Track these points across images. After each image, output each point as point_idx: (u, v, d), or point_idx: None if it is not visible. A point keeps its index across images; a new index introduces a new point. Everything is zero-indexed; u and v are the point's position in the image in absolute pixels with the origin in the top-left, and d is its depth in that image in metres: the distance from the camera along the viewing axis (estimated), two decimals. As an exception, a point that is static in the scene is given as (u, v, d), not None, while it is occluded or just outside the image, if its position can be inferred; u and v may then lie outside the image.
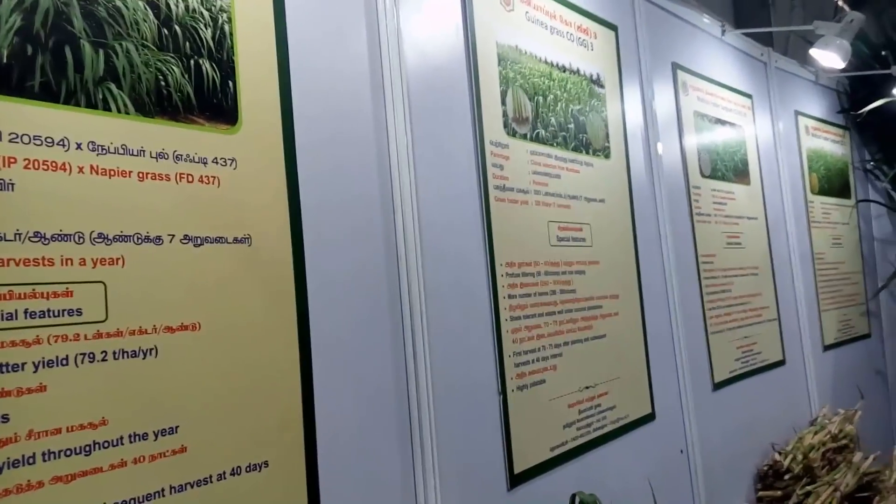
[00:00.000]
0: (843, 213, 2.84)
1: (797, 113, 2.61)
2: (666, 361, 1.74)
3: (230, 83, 0.88)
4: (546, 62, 1.47)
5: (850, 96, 2.97)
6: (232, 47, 0.89)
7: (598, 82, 1.64)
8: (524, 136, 1.38)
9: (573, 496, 1.26)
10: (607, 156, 1.65)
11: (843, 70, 2.82)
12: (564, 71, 1.53)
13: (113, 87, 0.77)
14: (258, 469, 0.84)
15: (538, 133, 1.42)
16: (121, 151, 0.77)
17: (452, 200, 1.17)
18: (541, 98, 1.44)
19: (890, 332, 3.04)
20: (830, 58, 2.09)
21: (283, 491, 0.86)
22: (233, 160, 0.86)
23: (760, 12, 4.32)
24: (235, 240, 0.84)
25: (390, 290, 1.03)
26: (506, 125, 1.33)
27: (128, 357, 0.74)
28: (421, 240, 1.06)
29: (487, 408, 1.18)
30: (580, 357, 1.44)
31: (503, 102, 1.33)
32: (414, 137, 1.09)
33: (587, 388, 1.45)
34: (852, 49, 2.98)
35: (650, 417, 1.64)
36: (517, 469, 1.21)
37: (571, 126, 1.53)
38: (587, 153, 1.57)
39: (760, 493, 2.00)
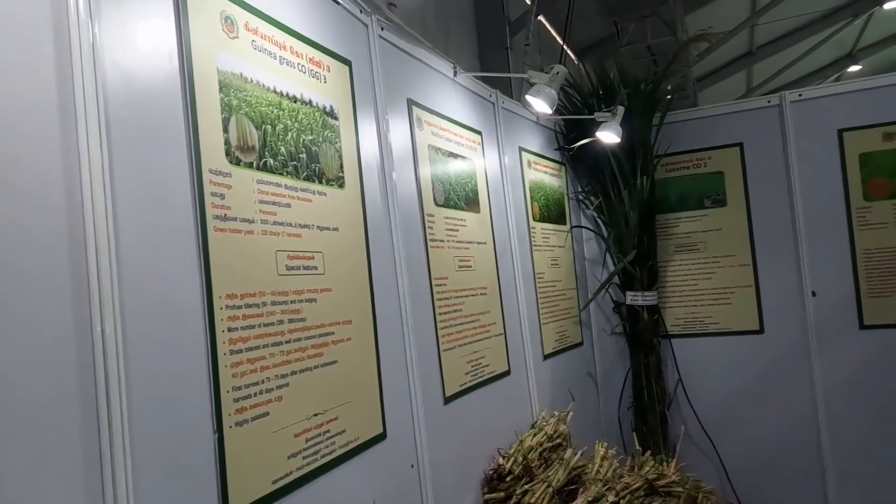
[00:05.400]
0: (560, 237, 3.24)
1: (521, 149, 2.93)
2: (399, 381, 1.83)
3: None
4: (275, 92, 1.47)
5: (565, 136, 3.41)
6: None
7: (331, 114, 1.68)
8: (250, 165, 1.37)
9: (295, 527, 1.27)
10: (341, 185, 1.69)
11: (559, 113, 3.23)
12: (296, 101, 1.54)
13: None
14: None
15: (266, 162, 1.42)
16: None
17: (162, 234, 1.12)
18: (269, 127, 1.44)
19: (597, 338, 3.53)
20: (540, 104, 2.39)
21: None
22: None
23: (500, 55, 4.80)
24: None
25: (79, 338, 0.94)
26: (228, 153, 1.31)
27: None
28: (119, 280, 0.99)
29: (201, 449, 1.14)
30: (309, 385, 1.46)
31: (225, 130, 1.31)
32: (114, 168, 1.02)
33: (316, 415, 1.47)
34: (569, 95, 3.45)
35: (381, 437, 1.71)
36: (234, 508, 1.18)
37: (303, 156, 1.55)
38: (320, 182, 1.60)
39: (486, 497, 2.19)
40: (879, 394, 3.08)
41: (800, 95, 3.27)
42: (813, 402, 3.19)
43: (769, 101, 3.31)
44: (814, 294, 3.19)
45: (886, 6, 8.45)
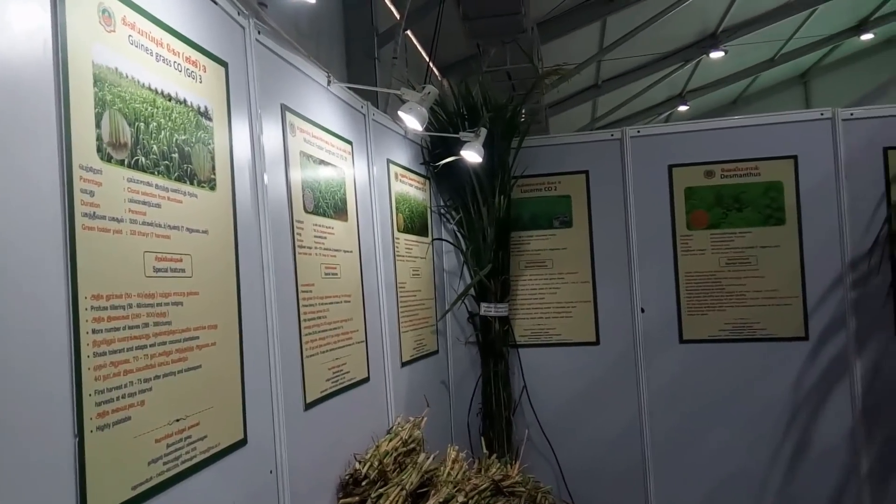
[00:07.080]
0: (422, 248, 3.36)
1: (389, 161, 3.01)
2: (262, 387, 1.83)
3: None
4: (150, 89, 1.44)
5: (431, 151, 3.54)
6: None
7: (206, 115, 1.66)
8: (121, 163, 1.33)
9: (155, 534, 1.25)
10: (213, 188, 1.67)
11: (427, 129, 3.35)
12: (170, 100, 1.51)
13: None
14: None
15: (138, 160, 1.38)
16: None
17: (29, 230, 1.07)
18: (142, 125, 1.40)
19: (452, 347, 3.69)
20: (411, 120, 2.49)
21: None
22: None
23: (368, 64, 4.87)
24: None
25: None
26: (100, 150, 1.27)
27: None
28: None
29: (61, 453, 1.09)
30: (172, 390, 1.43)
31: (98, 126, 1.27)
32: (-20, 158, 0.97)
33: (177, 420, 1.44)
34: (436, 113, 3.58)
35: (242, 443, 1.70)
36: (91, 515, 1.14)
37: (175, 156, 1.52)
38: (192, 184, 1.58)
39: (341, 501, 2.23)
40: (694, 401, 3.49)
41: (638, 132, 3.64)
42: (639, 408, 3.55)
43: (612, 135, 3.66)
44: (643, 310, 3.56)
45: (712, 55, 9.59)
